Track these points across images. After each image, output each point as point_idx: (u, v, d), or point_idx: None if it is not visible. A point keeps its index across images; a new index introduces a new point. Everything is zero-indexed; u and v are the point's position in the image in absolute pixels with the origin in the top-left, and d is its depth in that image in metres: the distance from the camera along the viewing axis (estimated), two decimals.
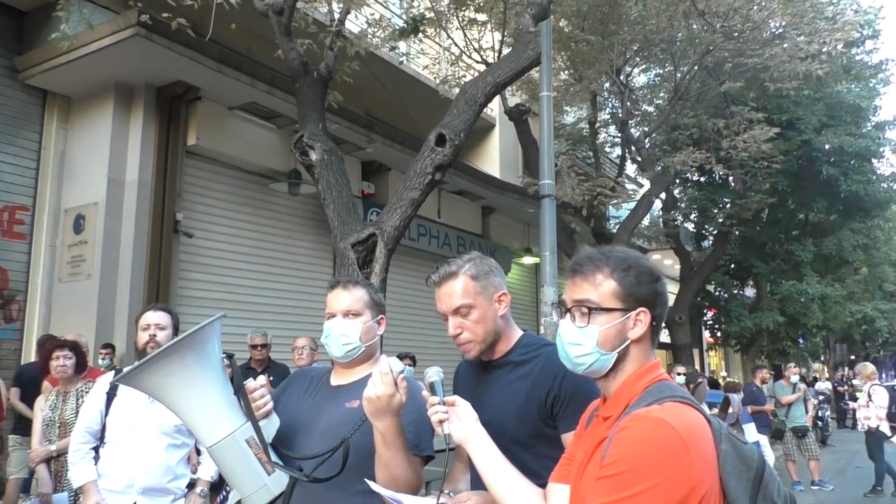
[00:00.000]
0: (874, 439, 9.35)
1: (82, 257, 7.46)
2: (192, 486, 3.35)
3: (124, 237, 7.46)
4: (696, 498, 1.17)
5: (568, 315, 1.41)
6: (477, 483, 1.81)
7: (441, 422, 1.54)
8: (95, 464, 3.23)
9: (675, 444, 1.17)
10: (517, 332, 1.94)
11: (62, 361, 4.68)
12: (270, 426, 1.93)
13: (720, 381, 13.51)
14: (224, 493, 3.79)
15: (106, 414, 3.18)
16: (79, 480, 3.21)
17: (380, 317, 2.12)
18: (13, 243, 7.48)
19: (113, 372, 3.34)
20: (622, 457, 1.18)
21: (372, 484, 1.64)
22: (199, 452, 3.53)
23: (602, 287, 1.37)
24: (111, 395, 3.17)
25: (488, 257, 1.96)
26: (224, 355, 1.91)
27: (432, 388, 1.59)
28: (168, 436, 3.17)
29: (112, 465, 3.13)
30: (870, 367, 10.28)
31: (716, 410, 8.65)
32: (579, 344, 1.37)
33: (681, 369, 8.82)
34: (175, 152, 7.88)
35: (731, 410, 8.86)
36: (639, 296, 1.36)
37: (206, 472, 3.46)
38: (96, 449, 3.27)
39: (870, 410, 9.41)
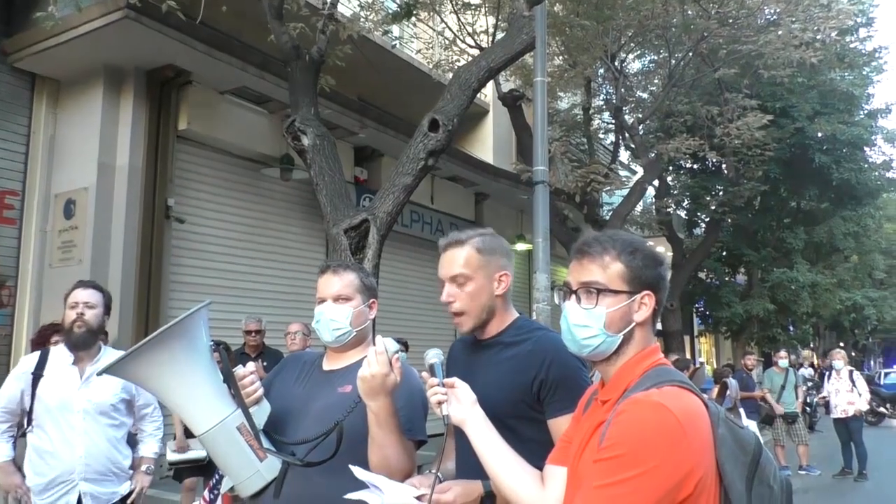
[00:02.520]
0: (857, 424, 9.44)
1: (73, 243, 7.41)
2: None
3: (115, 222, 7.42)
4: (693, 481, 1.17)
5: (573, 297, 1.40)
6: (462, 466, 1.82)
7: (440, 403, 1.53)
8: (14, 445, 3.11)
9: (672, 428, 1.17)
10: (512, 315, 1.93)
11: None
12: (261, 413, 1.92)
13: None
14: (216, 476, 3.78)
15: (32, 396, 3.01)
16: None
17: (371, 301, 2.11)
18: (3, 228, 7.43)
19: (39, 353, 3.17)
20: (620, 440, 1.19)
21: (354, 469, 1.63)
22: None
23: (610, 269, 1.36)
24: (37, 375, 3.01)
25: (500, 237, 1.96)
26: (213, 343, 1.89)
27: (432, 370, 1.59)
28: (105, 416, 3.05)
29: (48, 452, 2.97)
30: (843, 352, 10.44)
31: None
32: (586, 325, 1.37)
33: (676, 357, 8.87)
34: (166, 137, 7.82)
35: (728, 395, 8.93)
36: (644, 279, 1.36)
37: (150, 448, 3.35)
38: (15, 435, 3.13)
39: (853, 395, 9.49)
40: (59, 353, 3.10)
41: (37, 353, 3.17)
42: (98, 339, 3.11)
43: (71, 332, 3.02)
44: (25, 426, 3.07)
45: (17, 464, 3.10)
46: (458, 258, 1.86)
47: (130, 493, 3.16)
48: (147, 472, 3.30)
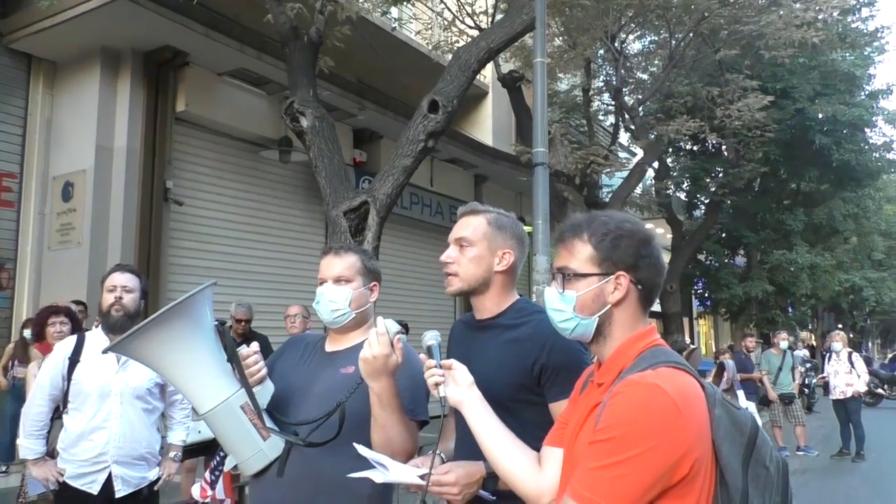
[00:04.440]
0: (855, 405, 9.52)
1: (71, 225, 7.40)
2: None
3: (114, 205, 7.41)
4: (689, 462, 1.17)
5: (553, 282, 1.43)
6: (461, 445, 1.83)
7: (437, 384, 1.54)
8: (48, 437, 3.09)
9: (668, 409, 1.17)
10: (513, 296, 1.92)
11: (59, 328, 4.67)
12: (265, 392, 1.93)
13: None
14: (218, 456, 3.80)
15: (68, 380, 3.03)
16: (33, 454, 3.05)
17: (372, 284, 2.11)
18: (1, 211, 7.42)
19: (76, 336, 3.17)
20: (615, 422, 1.19)
21: (359, 447, 1.64)
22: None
23: (580, 253, 1.38)
24: (74, 360, 3.03)
25: (520, 224, 1.98)
26: (216, 322, 1.90)
27: (429, 352, 1.59)
28: (141, 400, 3.08)
29: (83, 435, 2.99)
30: (842, 334, 10.49)
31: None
32: (560, 310, 1.40)
33: (674, 339, 8.89)
34: (164, 119, 7.79)
35: (726, 376, 8.96)
36: (616, 260, 1.36)
37: (178, 436, 3.41)
38: (49, 428, 3.11)
39: (852, 377, 9.55)
40: (95, 338, 3.09)
41: (73, 338, 3.17)
42: (134, 323, 3.11)
43: (108, 316, 3.01)
44: (61, 408, 3.08)
45: (51, 445, 3.10)
46: (468, 224, 1.89)
47: (158, 478, 3.20)
48: (175, 459, 3.35)
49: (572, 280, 1.38)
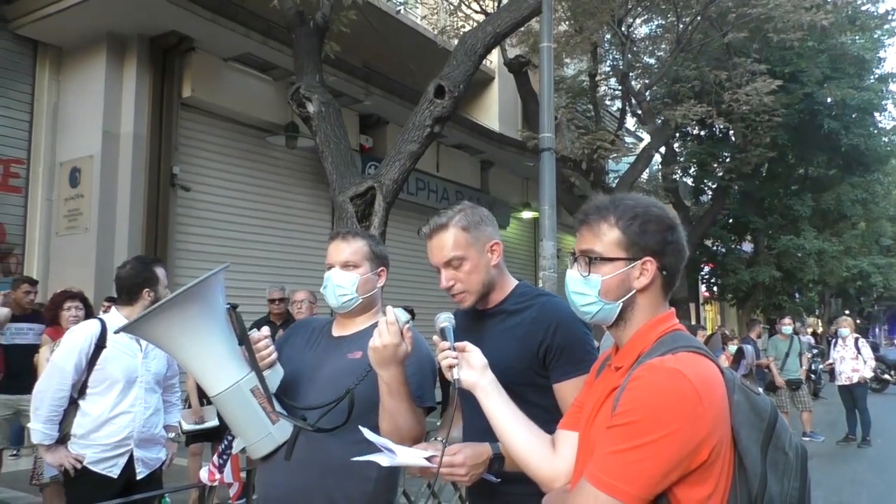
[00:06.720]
0: (861, 391, 9.51)
1: (79, 211, 7.43)
2: None
3: (121, 190, 7.43)
4: (708, 448, 1.17)
5: (575, 265, 1.40)
6: (468, 429, 1.84)
7: (451, 367, 1.52)
8: (62, 423, 3.05)
9: (688, 395, 1.16)
10: (512, 282, 1.93)
11: (74, 312, 4.71)
12: (275, 376, 1.94)
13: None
14: (227, 440, 3.83)
15: (91, 366, 3.02)
16: (48, 439, 2.99)
17: (380, 269, 2.11)
18: (9, 197, 7.44)
19: (99, 321, 3.15)
20: (635, 406, 1.18)
21: (365, 431, 1.65)
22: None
23: (606, 237, 1.35)
24: (100, 345, 3.03)
25: (479, 206, 1.94)
26: (228, 306, 1.91)
27: (443, 334, 1.58)
28: (159, 385, 3.23)
29: (108, 420, 3.03)
30: (850, 320, 10.46)
31: None
32: (583, 293, 1.37)
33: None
34: (170, 104, 7.79)
35: (744, 361, 8.97)
36: (644, 245, 1.34)
37: (174, 417, 3.54)
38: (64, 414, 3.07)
39: (858, 363, 9.53)
40: (115, 323, 3.05)
41: (95, 322, 3.14)
42: None
43: None
44: (74, 394, 3.05)
45: (64, 430, 3.08)
46: (446, 242, 1.84)
47: (165, 460, 3.33)
48: (174, 440, 3.49)
49: (598, 264, 1.35)
